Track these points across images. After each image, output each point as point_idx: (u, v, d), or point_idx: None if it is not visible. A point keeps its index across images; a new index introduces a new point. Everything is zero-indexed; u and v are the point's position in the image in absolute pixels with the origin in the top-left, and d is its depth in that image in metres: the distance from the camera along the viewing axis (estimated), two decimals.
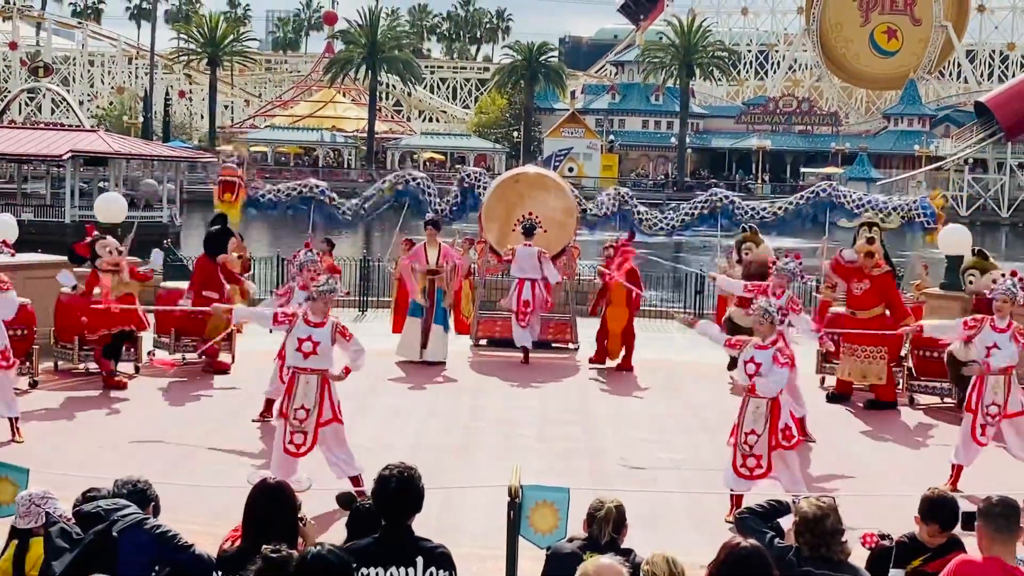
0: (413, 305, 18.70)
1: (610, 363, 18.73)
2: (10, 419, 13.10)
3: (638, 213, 22.39)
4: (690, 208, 22.48)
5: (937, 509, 6.83)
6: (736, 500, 10.74)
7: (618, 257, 18.57)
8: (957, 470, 12.06)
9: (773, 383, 10.73)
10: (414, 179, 22.43)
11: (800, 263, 15.01)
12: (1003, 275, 14.06)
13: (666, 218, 22.57)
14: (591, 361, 18.83)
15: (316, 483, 10.69)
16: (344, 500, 6.89)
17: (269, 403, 14.05)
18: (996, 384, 12.04)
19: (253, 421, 14.17)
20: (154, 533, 5.99)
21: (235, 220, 19.10)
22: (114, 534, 5.88)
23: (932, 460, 13.13)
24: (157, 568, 6.00)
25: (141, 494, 6.40)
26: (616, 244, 19.04)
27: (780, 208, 21.41)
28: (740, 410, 10.93)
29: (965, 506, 6.24)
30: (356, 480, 10.66)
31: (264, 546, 5.36)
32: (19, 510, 6.42)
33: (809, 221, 21.13)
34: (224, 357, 17.66)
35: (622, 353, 18.71)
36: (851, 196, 21.14)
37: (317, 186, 22.34)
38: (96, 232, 16.90)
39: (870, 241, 16.17)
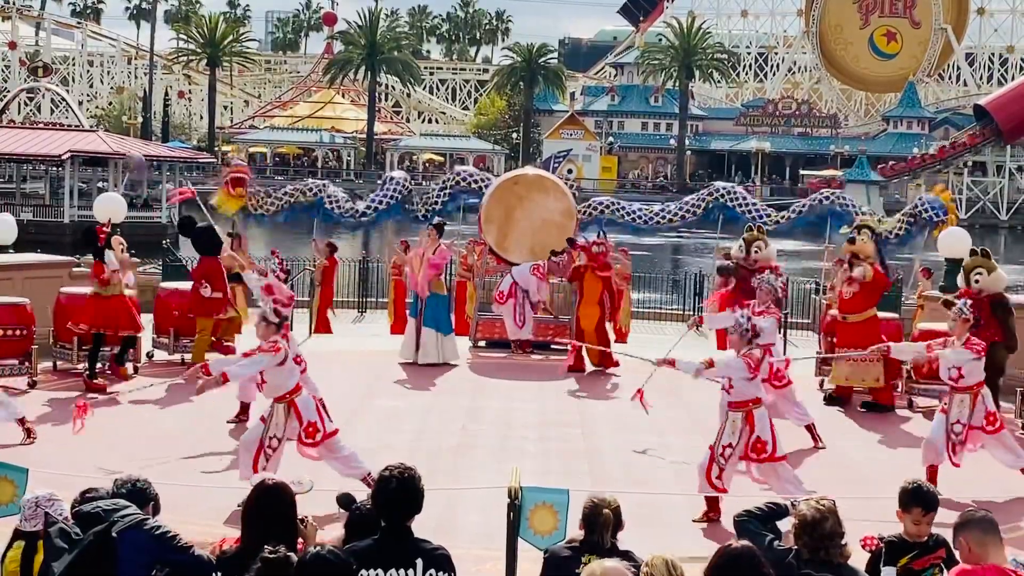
0: (413, 305, 18.73)
1: (591, 366, 18.55)
2: (18, 420, 13.09)
3: (620, 211, 21.97)
4: (690, 203, 22.19)
5: (915, 494, 6.94)
6: (712, 504, 10.91)
7: (602, 257, 18.48)
8: None
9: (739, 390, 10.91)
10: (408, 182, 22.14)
11: (781, 276, 14.96)
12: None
13: (662, 211, 22.19)
14: (569, 369, 18.46)
15: (316, 484, 10.68)
16: (344, 501, 6.88)
17: (244, 406, 14.29)
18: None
19: (228, 422, 14.19)
20: (153, 534, 5.99)
21: (232, 211, 19.05)
22: (113, 535, 5.87)
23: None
24: (156, 569, 6.00)
25: (141, 493, 6.40)
26: (601, 242, 18.87)
27: (783, 216, 21.32)
28: (721, 425, 11.10)
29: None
30: (367, 480, 10.62)
31: (265, 547, 5.37)
32: (25, 513, 6.39)
33: (812, 225, 21.09)
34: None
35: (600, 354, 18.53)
36: (851, 208, 21.05)
37: (316, 187, 22.00)
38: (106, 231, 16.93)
39: (850, 241, 16.32)
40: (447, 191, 21.77)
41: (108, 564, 5.81)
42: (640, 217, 21.81)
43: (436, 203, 21.61)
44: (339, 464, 10.96)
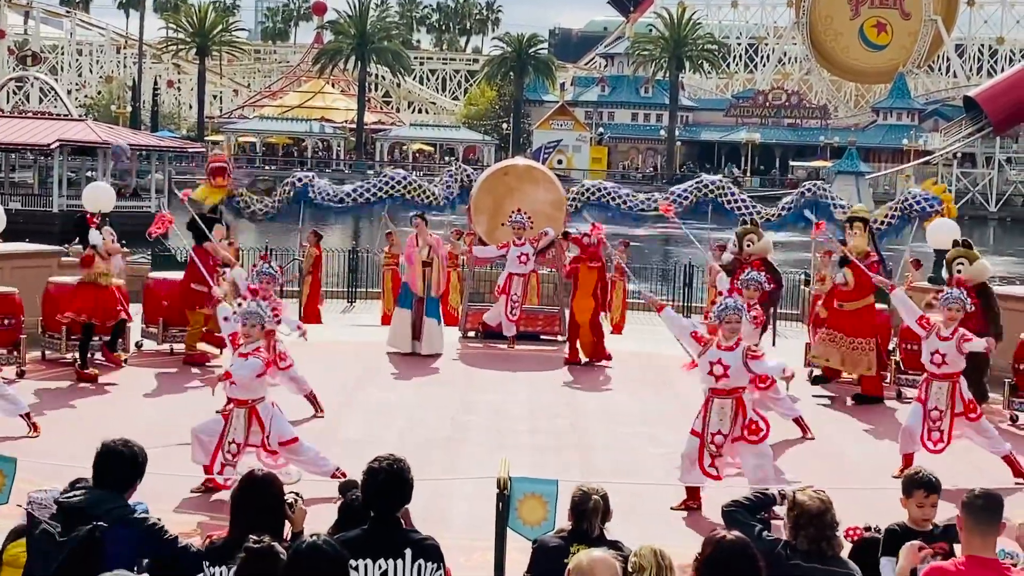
0: (403, 297, 18.70)
1: (584, 359, 18.47)
2: (24, 415, 13.01)
3: (617, 199, 21.93)
4: (680, 193, 22.16)
5: (914, 478, 7.03)
6: (692, 492, 10.94)
7: (594, 249, 18.46)
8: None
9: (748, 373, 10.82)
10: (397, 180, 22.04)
11: (763, 272, 14.90)
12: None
13: (650, 199, 22.20)
14: (566, 362, 18.42)
15: (304, 475, 10.68)
16: (343, 488, 6.90)
17: None
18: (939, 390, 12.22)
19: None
20: (141, 527, 5.97)
21: (215, 202, 18.97)
22: (98, 535, 5.82)
23: (919, 454, 13.14)
24: (145, 562, 5.98)
25: (134, 460, 6.33)
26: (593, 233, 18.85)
27: (774, 214, 21.34)
28: (704, 409, 10.95)
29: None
30: (337, 474, 10.59)
31: (250, 537, 5.36)
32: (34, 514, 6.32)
33: (801, 220, 21.10)
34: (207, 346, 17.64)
35: (592, 345, 18.49)
36: (834, 201, 21.07)
37: (303, 178, 21.96)
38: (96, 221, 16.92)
39: (842, 242, 16.38)
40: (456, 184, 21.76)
41: (94, 564, 5.76)
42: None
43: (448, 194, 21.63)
44: (304, 466, 10.91)
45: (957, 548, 6.15)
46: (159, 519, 6.16)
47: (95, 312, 16.13)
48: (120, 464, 6.24)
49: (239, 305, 11.85)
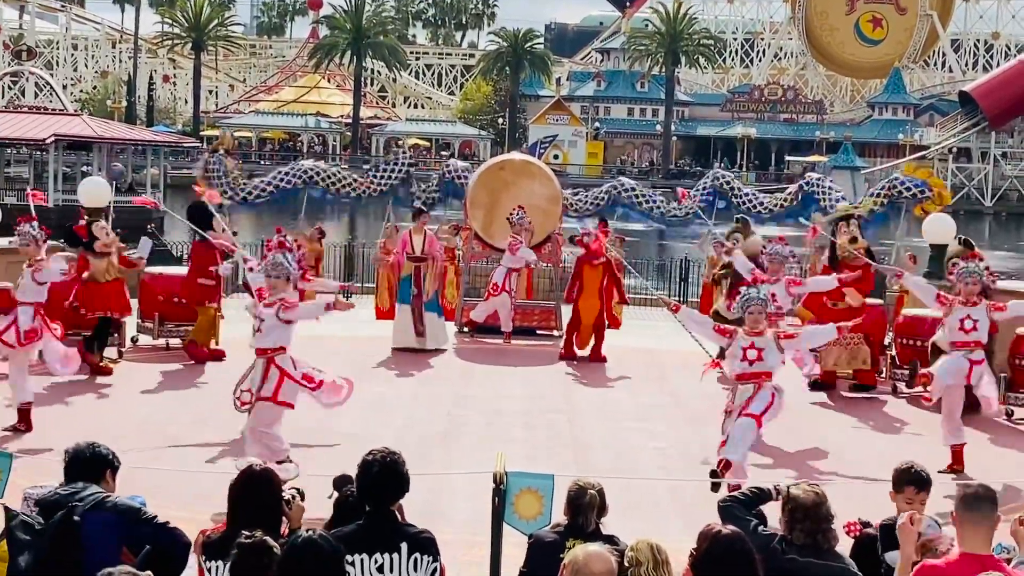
0: (403, 292, 18.67)
1: (581, 353, 18.46)
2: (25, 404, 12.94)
3: (641, 200, 21.75)
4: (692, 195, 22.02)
5: (906, 474, 6.98)
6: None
7: (595, 245, 18.46)
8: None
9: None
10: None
11: (787, 245, 15.11)
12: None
13: (673, 207, 22.03)
14: (561, 356, 18.41)
15: (304, 470, 10.66)
16: (339, 483, 6.90)
17: None
18: None
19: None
20: (118, 510, 5.95)
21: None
22: (76, 519, 5.82)
23: (914, 448, 13.16)
24: (129, 549, 5.95)
25: (98, 459, 6.31)
26: (591, 231, 18.85)
27: (777, 204, 21.30)
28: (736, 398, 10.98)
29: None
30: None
31: (242, 532, 5.35)
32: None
33: (798, 215, 21.09)
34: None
35: (591, 344, 18.48)
36: (831, 193, 21.02)
37: (310, 170, 21.47)
38: (87, 216, 16.89)
39: (852, 240, 16.29)
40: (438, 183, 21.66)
41: (74, 550, 5.76)
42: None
43: (433, 194, 21.52)
44: (260, 438, 10.71)
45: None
46: (133, 502, 6.15)
47: (111, 306, 16.17)
48: (88, 462, 6.23)
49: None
